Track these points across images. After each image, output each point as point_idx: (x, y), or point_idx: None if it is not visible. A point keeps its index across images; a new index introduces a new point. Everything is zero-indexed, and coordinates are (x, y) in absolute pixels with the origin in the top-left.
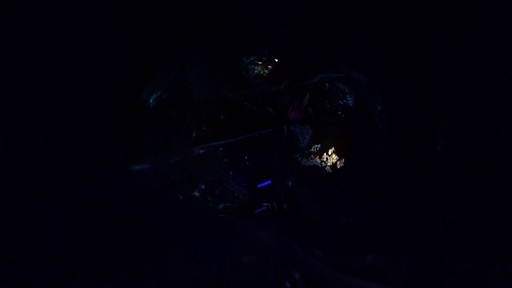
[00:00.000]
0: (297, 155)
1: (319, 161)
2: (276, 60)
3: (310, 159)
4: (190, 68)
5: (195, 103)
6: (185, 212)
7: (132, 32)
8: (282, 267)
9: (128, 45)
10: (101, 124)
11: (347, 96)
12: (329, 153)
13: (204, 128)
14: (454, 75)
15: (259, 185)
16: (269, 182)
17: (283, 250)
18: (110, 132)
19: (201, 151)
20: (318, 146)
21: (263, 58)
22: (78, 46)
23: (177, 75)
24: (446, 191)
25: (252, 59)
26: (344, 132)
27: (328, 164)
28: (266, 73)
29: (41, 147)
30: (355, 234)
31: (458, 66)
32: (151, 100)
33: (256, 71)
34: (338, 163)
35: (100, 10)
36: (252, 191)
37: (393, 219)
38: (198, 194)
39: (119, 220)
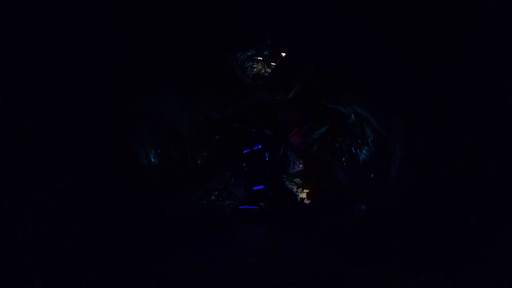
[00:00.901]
0: (283, 175)
1: (296, 191)
2: (283, 54)
3: (291, 184)
4: (164, 98)
5: (186, 137)
6: (183, 213)
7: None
8: (277, 264)
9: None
10: (100, 130)
11: (369, 141)
12: (306, 190)
13: (205, 154)
14: None
15: (254, 188)
16: (262, 186)
17: (277, 248)
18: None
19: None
20: (301, 181)
21: (265, 53)
22: None
23: (154, 114)
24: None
25: (249, 53)
26: (331, 177)
27: (301, 196)
28: (269, 72)
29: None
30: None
31: None
32: (152, 160)
33: (255, 69)
34: (307, 200)
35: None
36: (249, 193)
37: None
38: (213, 198)
39: (119, 220)
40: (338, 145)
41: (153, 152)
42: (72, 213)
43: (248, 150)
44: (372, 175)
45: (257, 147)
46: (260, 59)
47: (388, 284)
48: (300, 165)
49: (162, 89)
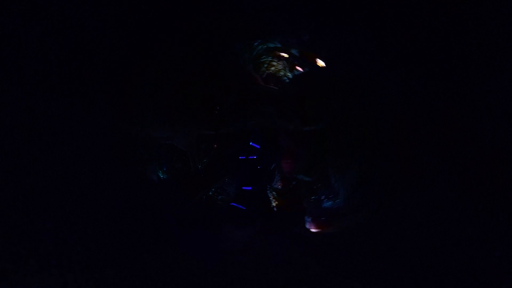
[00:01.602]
0: (267, 186)
1: (273, 202)
2: (321, 63)
3: (271, 194)
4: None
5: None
6: (179, 213)
7: None
8: (263, 264)
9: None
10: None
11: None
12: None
13: (205, 160)
14: None
15: (243, 187)
16: (250, 188)
17: (263, 248)
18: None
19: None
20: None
21: (292, 51)
22: None
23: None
24: None
25: (270, 46)
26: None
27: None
28: (290, 77)
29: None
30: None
31: None
32: (161, 176)
33: (273, 68)
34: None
35: None
36: (239, 192)
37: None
38: (211, 193)
39: (117, 219)
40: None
41: (161, 171)
42: (74, 211)
43: (243, 157)
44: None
45: (252, 157)
46: (284, 56)
47: None
48: (279, 184)
49: (151, 116)
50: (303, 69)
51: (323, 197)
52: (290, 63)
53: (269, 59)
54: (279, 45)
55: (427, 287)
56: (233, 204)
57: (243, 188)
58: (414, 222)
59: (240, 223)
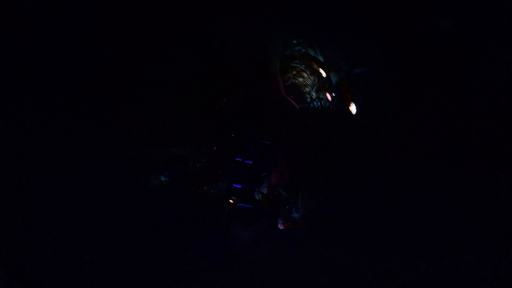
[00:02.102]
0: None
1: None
2: (354, 99)
3: (257, 195)
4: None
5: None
6: (182, 214)
7: None
8: (270, 263)
9: None
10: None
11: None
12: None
13: (204, 160)
14: None
15: (234, 185)
16: (240, 186)
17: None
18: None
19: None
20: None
21: (331, 74)
22: None
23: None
24: None
25: (310, 53)
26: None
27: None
28: (313, 98)
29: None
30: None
31: None
32: (163, 179)
33: (300, 79)
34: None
35: None
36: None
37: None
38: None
39: (118, 220)
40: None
41: (163, 176)
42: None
43: (240, 159)
44: None
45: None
46: (319, 72)
47: None
48: (265, 189)
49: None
50: (330, 98)
51: (293, 209)
52: (321, 84)
53: (302, 67)
54: (321, 58)
55: None
56: (240, 204)
57: (234, 185)
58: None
59: (247, 222)
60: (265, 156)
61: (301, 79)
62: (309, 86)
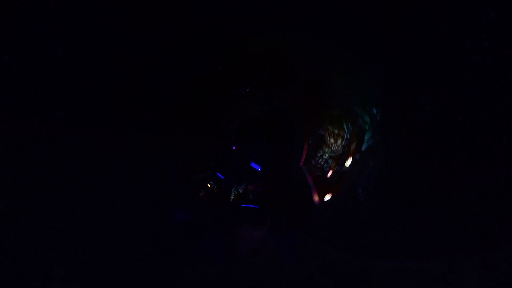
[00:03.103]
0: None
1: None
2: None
3: (233, 191)
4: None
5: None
6: (185, 214)
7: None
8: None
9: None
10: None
11: None
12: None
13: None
14: None
15: (241, 205)
16: (222, 177)
17: (277, 245)
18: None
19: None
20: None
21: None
22: None
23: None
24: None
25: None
26: None
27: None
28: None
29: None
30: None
31: None
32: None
33: (331, 139)
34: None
35: None
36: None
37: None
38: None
39: (120, 220)
40: None
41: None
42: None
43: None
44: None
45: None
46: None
47: None
48: (242, 190)
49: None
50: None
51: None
52: (337, 158)
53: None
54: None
55: None
56: (244, 205)
57: (217, 173)
58: None
59: (252, 222)
60: (266, 157)
61: (332, 140)
62: (328, 148)
